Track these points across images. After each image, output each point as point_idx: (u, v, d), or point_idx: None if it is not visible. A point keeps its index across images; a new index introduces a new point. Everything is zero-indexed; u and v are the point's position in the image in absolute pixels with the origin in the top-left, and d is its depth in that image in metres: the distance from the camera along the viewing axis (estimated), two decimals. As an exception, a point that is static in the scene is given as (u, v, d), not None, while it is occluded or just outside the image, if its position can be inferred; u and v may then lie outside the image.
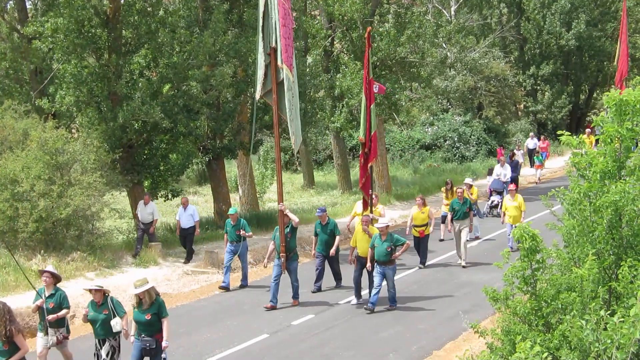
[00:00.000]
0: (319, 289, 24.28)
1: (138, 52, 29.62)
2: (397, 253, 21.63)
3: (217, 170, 35.60)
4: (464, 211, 27.17)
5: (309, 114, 35.50)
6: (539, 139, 51.75)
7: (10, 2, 37.40)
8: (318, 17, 43.81)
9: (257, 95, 23.53)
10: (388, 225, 22.01)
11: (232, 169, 46.50)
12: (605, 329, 8.82)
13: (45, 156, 27.13)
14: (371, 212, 25.02)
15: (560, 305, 10.36)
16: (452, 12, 60.75)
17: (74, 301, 22.94)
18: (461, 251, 27.20)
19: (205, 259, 27.94)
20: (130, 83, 29.94)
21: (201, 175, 53.48)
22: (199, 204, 45.60)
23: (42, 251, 26.36)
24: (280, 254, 22.39)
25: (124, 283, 25.19)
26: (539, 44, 64.57)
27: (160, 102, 29.53)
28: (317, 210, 25.18)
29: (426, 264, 27.23)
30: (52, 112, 32.91)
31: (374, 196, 25.93)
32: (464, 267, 26.78)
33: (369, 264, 21.76)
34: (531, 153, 49.91)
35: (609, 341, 8.66)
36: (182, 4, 32.88)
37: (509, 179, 36.26)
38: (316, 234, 24.52)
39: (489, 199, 36.35)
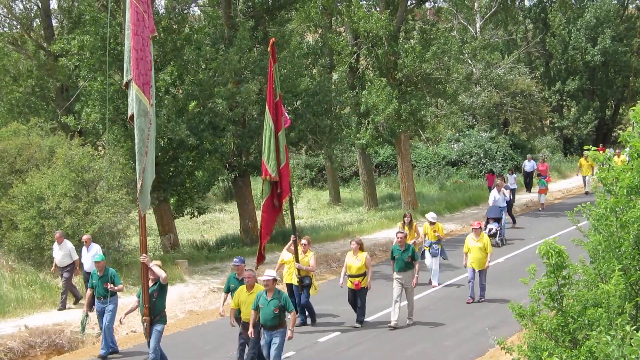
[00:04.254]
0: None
1: (164, 70, 29.74)
2: (288, 334, 16.93)
3: (243, 188, 35.67)
4: (404, 260, 21.45)
5: (335, 131, 35.54)
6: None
7: (37, 20, 37.81)
8: (343, 34, 43.95)
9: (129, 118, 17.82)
10: (275, 279, 17.04)
11: (257, 186, 46.47)
12: (630, 345, 8.75)
13: (71, 173, 27.28)
14: (297, 260, 21.56)
15: (587, 321, 10.29)
16: (478, 28, 60.71)
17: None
18: (408, 307, 21.87)
19: (230, 276, 27.79)
20: (156, 100, 30.05)
21: (227, 192, 53.60)
22: (225, 222, 45.67)
23: (68, 268, 26.46)
24: (144, 318, 17.70)
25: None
26: (564, 59, 64.44)
27: (186, 120, 29.67)
28: (234, 259, 19.73)
29: (364, 322, 22.01)
30: (78, 130, 33.18)
31: (304, 241, 22.11)
32: (392, 327, 21.44)
33: (251, 330, 17.23)
34: (527, 176, 48.49)
35: (634, 357, 8.58)
36: (208, 22, 33.14)
37: (504, 205, 34.14)
38: (228, 290, 19.31)
39: (485, 227, 32.12)
